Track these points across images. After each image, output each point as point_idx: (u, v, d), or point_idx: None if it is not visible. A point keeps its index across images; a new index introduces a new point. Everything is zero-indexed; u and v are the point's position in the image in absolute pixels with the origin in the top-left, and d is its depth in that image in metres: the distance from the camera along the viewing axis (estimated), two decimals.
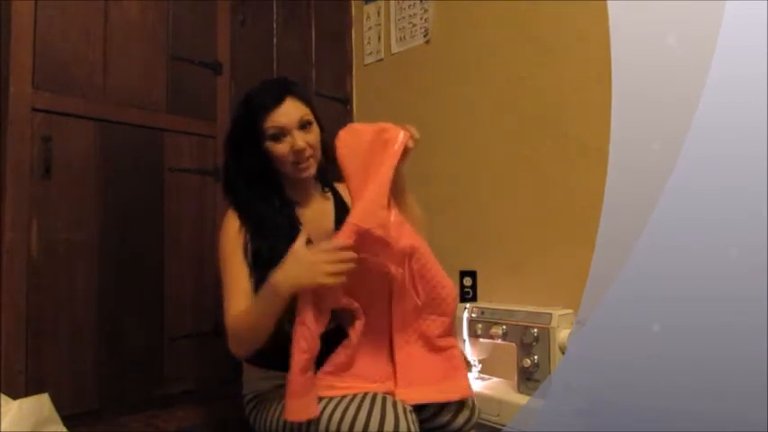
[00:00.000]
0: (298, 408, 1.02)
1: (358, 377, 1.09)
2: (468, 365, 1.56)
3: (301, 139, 1.16)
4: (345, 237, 1.02)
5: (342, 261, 1.01)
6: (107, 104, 1.50)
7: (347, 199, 1.27)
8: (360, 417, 0.99)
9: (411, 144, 1.07)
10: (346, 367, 1.09)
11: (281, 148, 1.17)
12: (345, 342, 1.09)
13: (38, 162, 1.37)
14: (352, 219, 1.03)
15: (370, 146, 1.08)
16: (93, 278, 1.45)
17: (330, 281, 1.00)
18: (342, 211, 1.29)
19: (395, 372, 1.12)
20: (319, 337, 1.03)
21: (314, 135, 1.20)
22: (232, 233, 1.18)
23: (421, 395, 1.09)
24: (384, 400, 1.02)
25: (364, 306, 1.10)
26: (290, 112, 1.16)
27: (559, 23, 1.62)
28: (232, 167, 1.22)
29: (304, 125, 1.18)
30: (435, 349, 1.13)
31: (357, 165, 1.08)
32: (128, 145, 1.54)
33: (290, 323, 1.10)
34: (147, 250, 1.57)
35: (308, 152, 1.18)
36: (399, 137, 1.06)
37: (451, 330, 1.15)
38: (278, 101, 1.16)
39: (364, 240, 1.03)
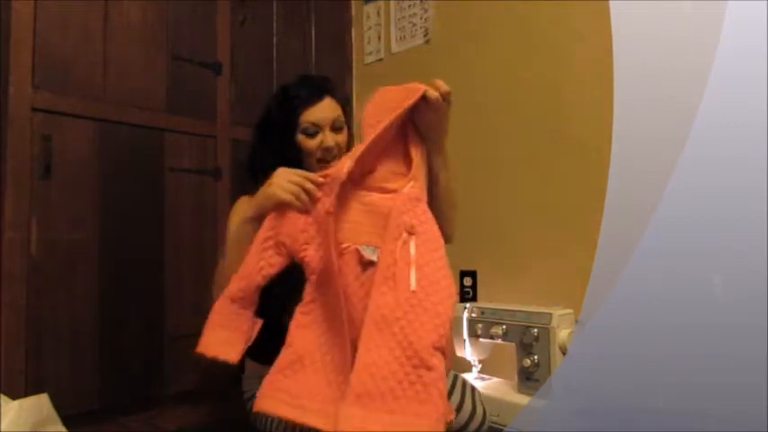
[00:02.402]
0: (212, 340, 0.91)
1: (299, 397, 0.89)
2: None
3: (332, 139, 1.19)
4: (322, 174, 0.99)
5: (301, 185, 0.99)
6: (107, 104, 1.50)
7: None
8: None
9: (432, 95, 0.96)
10: (291, 370, 0.91)
11: (312, 144, 1.19)
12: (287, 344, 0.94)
13: (38, 162, 1.37)
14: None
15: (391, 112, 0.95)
16: (93, 278, 1.45)
17: (282, 194, 0.98)
18: None
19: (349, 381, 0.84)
20: (266, 279, 0.97)
21: (343, 137, 1.24)
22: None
23: (366, 423, 0.80)
24: None
25: (325, 291, 0.93)
26: (326, 110, 1.20)
27: (559, 23, 1.62)
28: (260, 152, 1.25)
29: (337, 127, 1.22)
30: (415, 365, 0.82)
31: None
32: (128, 145, 1.54)
33: (289, 317, 1.10)
34: (147, 250, 1.57)
35: (335, 152, 1.21)
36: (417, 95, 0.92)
37: (446, 345, 0.84)
38: (318, 97, 1.19)
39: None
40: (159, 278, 1.58)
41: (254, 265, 0.95)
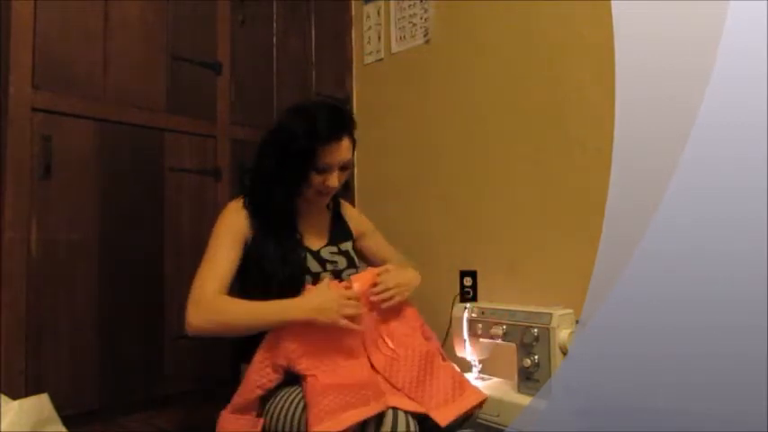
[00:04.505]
0: None
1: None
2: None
3: (336, 180, 1.26)
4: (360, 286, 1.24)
5: (355, 308, 1.16)
6: (107, 104, 1.50)
7: (345, 215, 1.46)
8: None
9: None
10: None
11: (318, 180, 1.25)
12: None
13: (38, 162, 1.37)
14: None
15: None
16: (93, 278, 1.45)
17: (342, 323, 1.13)
18: (337, 225, 1.43)
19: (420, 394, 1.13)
20: (264, 391, 1.13)
21: (346, 175, 1.30)
22: (235, 224, 1.26)
23: (451, 412, 1.09)
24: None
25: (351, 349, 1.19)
26: (342, 152, 1.24)
27: (560, 23, 1.61)
28: (271, 170, 1.28)
29: (345, 167, 1.27)
30: (440, 366, 1.20)
31: None
32: (128, 145, 1.54)
33: None
34: (147, 250, 1.57)
35: (334, 190, 1.29)
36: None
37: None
38: (338, 138, 1.23)
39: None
40: (159, 278, 1.58)
41: (254, 382, 1.13)
